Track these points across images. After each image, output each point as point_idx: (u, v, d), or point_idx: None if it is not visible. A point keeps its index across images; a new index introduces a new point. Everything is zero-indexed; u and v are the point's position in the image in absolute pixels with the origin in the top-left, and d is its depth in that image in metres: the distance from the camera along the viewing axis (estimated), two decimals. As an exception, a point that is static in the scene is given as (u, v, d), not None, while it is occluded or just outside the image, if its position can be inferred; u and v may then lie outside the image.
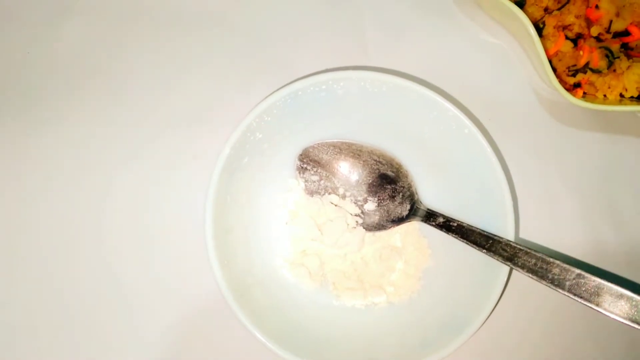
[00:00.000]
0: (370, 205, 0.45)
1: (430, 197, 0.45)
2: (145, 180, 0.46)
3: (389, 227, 0.45)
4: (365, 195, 0.45)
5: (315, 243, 0.44)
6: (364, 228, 0.45)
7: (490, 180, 0.42)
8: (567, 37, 0.46)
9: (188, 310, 0.44)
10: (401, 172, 0.45)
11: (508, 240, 0.40)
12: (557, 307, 0.45)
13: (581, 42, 0.46)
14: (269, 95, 0.42)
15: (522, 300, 0.45)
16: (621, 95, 0.46)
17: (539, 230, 0.46)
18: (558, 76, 0.45)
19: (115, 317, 0.44)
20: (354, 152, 0.45)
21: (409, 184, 0.45)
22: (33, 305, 0.44)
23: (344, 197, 0.45)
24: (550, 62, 0.44)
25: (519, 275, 0.41)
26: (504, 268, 0.41)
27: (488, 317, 0.40)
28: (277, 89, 0.42)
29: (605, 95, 0.46)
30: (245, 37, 0.48)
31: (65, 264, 0.45)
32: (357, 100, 0.44)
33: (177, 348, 0.44)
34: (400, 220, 0.44)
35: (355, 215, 0.45)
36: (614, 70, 0.46)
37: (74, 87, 0.47)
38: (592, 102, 0.44)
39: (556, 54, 0.46)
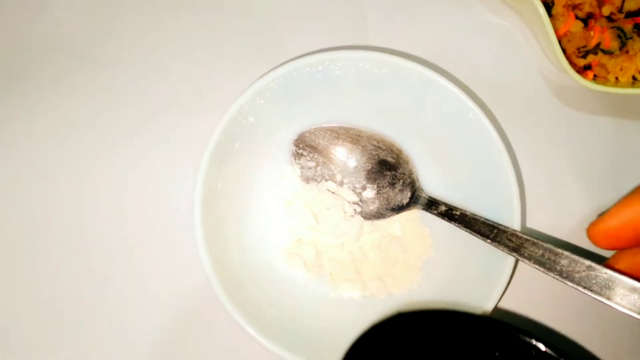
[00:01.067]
0: (369, 192, 0.43)
1: (432, 184, 0.43)
2: (132, 168, 0.44)
3: (389, 216, 0.43)
4: (364, 183, 0.43)
5: (311, 232, 0.43)
6: (362, 216, 0.43)
7: (496, 167, 0.40)
8: (577, 17, 0.44)
9: (178, 306, 0.43)
10: (401, 158, 0.43)
11: (514, 230, 0.38)
12: (564, 301, 0.44)
13: (592, 22, 0.44)
14: (261, 76, 0.40)
15: (527, 293, 0.43)
16: (634, 78, 0.44)
17: (547, 219, 0.44)
18: (567, 58, 0.43)
19: (101, 315, 0.42)
20: (352, 137, 0.43)
21: (409, 170, 0.43)
22: (11, 301, 0.42)
23: (341, 184, 0.43)
24: (559, 43, 0.42)
25: (524, 267, 0.39)
26: (509, 260, 0.39)
27: (492, 310, 0.39)
28: (270, 70, 0.40)
29: (617, 78, 0.44)
30: (236, 17, 0.46)
31: (46, 258, 0.43)
32: (355, 83, 0.42)
33: (166, 346, 0.42)
34: (400, 208, 0.42)
35: (353, 203, 0.43)
36: (627, 52, 0.44)
37: (59, 71, 0.45)
38: (603, 84, 0.42)
39: (566, 34, 0.44)
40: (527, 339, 0.35)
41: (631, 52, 0.44)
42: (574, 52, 0.44)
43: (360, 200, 0.43)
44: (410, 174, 0.43)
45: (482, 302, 0.39)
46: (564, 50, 0.42)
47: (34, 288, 0.43)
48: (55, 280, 0.43)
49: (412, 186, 0.42)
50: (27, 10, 0.46)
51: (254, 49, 0.46)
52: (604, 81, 0.44)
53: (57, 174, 0.44)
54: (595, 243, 0.37)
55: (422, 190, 0.43)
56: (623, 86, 0.43)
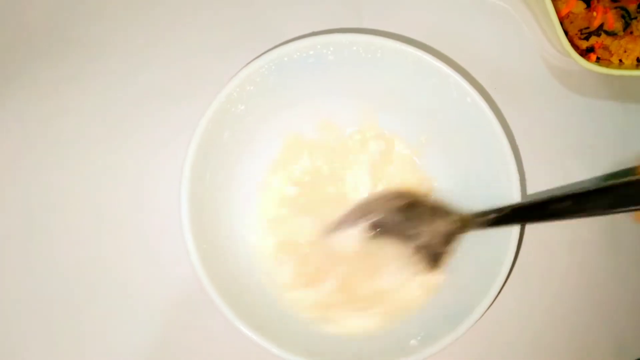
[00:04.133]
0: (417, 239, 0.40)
1: (431, 169, 0.42)
2: (117, 159, 0.42)
3: (446, 251, 0.39)
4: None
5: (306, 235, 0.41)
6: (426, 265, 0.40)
7: (494, 152, 0.38)
8: (579, -3, 0.43)
9: (167, 302, 0.41)
10: (411, 192, 0.41)
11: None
12: (561, 294, 0.43)
13: (594, 2, 0.43)
14: (251, 61, 0.38)
15: (526, 287, 0.42)
16: (638, 60, 0.42)
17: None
18: (570, 40, 0.41)
19: (92, 311, 0.41)
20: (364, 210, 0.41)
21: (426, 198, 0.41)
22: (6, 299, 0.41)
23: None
24: (561, 24, 0.40)
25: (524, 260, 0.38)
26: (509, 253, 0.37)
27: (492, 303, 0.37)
28: (259, 55, 0.38)
29: (620, 60, 0.43)
30: (225, 1, 0.44)
31: (30, 254, 0.41)
32: (350, 68, 0.40)
33: (157, 343, 0.41)
34: (450, 235, 0.39)
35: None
36: (631, 33, 0.43)
37: (43, 57, 0.43)
38: (607, 67, 0.41)
39: (567, 15, 0.43)
40: None
41: (635, 33, 0.42)
42: (576, 34, 0.43)
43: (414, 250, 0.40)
44: (431, 204, 0.40)
45: (482, 293, 0.37)
46: (565, 32, 0.41)
47: (22, 287, 0.41)
48: (41, 278, 0.41)
49: (444, 212, 0.39)
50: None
51: (244, 34, 0.44)
52: (608, 63, 0.43)
53: (41, 162, 0.42)
54: None
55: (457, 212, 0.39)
56: (627, 68, 0.42)
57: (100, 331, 0.41)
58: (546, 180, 0.43)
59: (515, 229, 0.37)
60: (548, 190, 0.43)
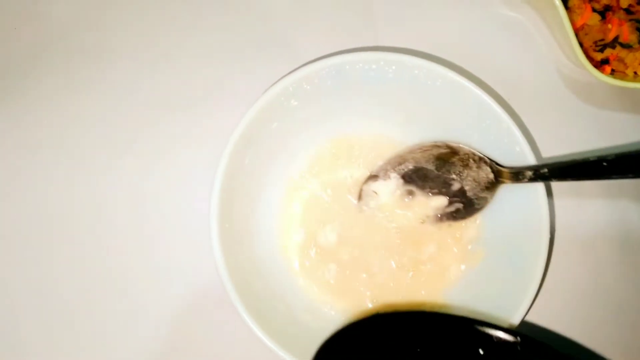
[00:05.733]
0: (456, 185, 0.41)
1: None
2: (151, 161, 0.44)
3: (485, 198, 0.40)
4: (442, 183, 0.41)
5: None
6: (459, 214, 0.41)
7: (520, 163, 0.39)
8: (594, 10, 0.43)
9: (187, 300, 0.42)
10: (451, 146, 0.41)
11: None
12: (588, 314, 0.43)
13: (609, 14, 0.43)
14: (310, 62, 0.39)
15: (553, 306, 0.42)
16: (653, 72, 0.42)
17: (565, 214, 0.43)
18: (584, 52, 0.41)
19: (114, 308, 0.42)
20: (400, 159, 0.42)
21: (470, 151, 0.40)
22: (26, 296, 0.42)
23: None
24: (576, 36, 0.41)
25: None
26: (537, 272, 0.37)
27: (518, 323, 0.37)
28: (320, 58, 0.39)
29: (635, 73, 0.43)
30: (242, 14, 0.45)
31: (58, 255, 0.42)
32: (405, 89, 0.40)
33: (174, 339, 0.42)
34: (491, 185, 0.40)
35: (446, 205, 0.41)
36: (646, 45, 0.42)
37: (63, 65, 0.44)
38: (622, 79, 0.41)
39: (582, 27, 0.43)
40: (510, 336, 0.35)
41: (650, 46, 0.42)
42: (591, 46, 0.43)
43: (451, 197, 0.41)
44: (473, 153, 0.40)
45: (509, 314, 0.37)
46: (580, 44, 0.41)
47: (48, 281, 0.42)
48: (66, 273, 0.42)
49: (485, 161, 0.40)
50: (29, 2, 0.45)
51: (261, 47, 0.45)
52: (622, 76, 0.43)
53: (66, 171, 0.43)
54: None
55: (496, 163, 0.40)
56: (642, 81, 0.41)
57: (121, 326, 0.42)
58: (558, 188, 0.44)
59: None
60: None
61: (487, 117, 0.39)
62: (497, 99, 0.39)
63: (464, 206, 0.41)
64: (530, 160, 0.38)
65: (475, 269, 0.41)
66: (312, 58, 0.43)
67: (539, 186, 0.38)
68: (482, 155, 0.40)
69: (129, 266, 0.42)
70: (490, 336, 0.36)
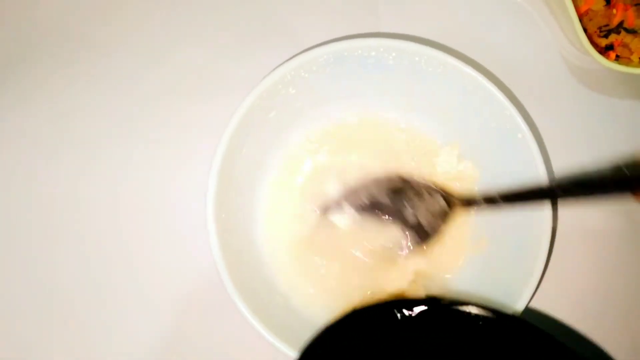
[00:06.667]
0: (408, 212, 0.41)
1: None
2: (146, 151, 0.43)
3: (440, 228, 0.41)
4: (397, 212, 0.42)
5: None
6: (416, 243, 0.41)
7: (522, 151, 0.38)
8: (598, -6, 0.42)
9: (184, 297, 0.42)
10: (402, 177, 0.42)
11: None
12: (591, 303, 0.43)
13: (614, -1, 0.42)
14: (309, 49, 0.38)
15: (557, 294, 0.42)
16: (659, 58, 0.42)
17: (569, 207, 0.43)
18: (588, 37, 0.41)
19: (109, 304, 0.42)
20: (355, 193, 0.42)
21: (421, 182, 0.41)
22: (24, 291, 0.42)
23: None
24: (580, 22, 0.40)
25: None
26: (539, 259, 0.37)
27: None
28: (318, 45, 0.38)
29: (640, 58, 0.42)
30: (249, 7, 0.45)
31: (50, 248, 0.42)
32: (404, 76, 0.40)
33: (171, 336, 0.42)
34: (444, 214, 0.41)
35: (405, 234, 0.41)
36: (651, 30, 0.42)
37: (59, 56, 0.44)
38: (626, 65, 0.40)
39: (586, 12, 0.43)
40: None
41: (656, 31, 0.42)
42: (595, 32, 0.43)
43: (407, 225, 0.41)
44: (425, 184, 0.41)
45: (512, 302, 0.37)
46: (585, 30, 0.40)
47: (42, 280, 0.42)
48: (62, 270, 0.42)
49: (437, 192, 0.41)
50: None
51: (260, 35, 0.44)
52: (627, 62, 0.42)
53: (61, 163, 0.43)
54: None
55: (450, 193, 0.41)
56: (647, 67, 0.41)
57: (114, 324, 0.42)
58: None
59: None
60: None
61: (489, 104, 0.39)
62: (499, 86, 0.38)
63: (419, 235, 0.41)
64: (533, 147, 0.38)
65: (479, 258, 0.41)
66: (314, 44, 0.42)
67: (542, 172, 0.38)
68: (433, 186, 0.41)
69: (125, 260, 0.42)
70: (482, 318, 0.36)
